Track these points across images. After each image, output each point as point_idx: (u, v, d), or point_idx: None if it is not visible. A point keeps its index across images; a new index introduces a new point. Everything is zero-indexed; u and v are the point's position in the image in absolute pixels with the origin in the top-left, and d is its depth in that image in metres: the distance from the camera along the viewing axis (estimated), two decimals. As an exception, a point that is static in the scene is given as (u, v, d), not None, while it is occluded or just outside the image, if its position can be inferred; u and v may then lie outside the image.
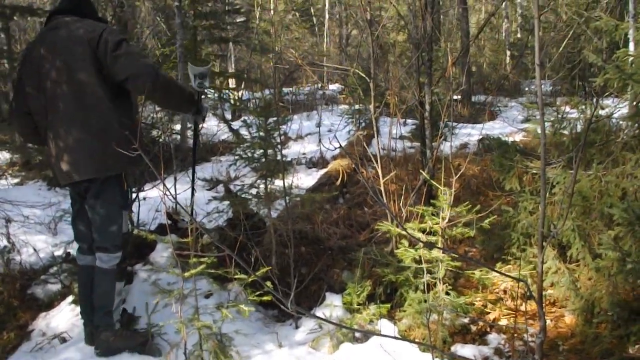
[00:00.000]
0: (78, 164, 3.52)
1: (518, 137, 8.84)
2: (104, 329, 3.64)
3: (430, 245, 3.65)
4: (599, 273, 3.64)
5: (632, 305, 3.52)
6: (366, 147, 5.98)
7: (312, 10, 22.72)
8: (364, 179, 2.09)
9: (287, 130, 10.50)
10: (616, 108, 4.40)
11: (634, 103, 4.25)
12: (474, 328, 3.92)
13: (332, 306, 3.99)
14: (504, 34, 19.07)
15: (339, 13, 21.81)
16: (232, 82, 14.49)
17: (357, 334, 3.77)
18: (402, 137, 8.10)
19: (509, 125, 9.67)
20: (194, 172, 4.54)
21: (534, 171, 4.31)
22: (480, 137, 8.50)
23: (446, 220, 3.64)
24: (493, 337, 3.83)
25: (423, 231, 3.73)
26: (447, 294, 3.68)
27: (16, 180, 8.56)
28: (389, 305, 3.91)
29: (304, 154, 9.16)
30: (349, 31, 21.38)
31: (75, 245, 3.94)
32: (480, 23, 20.45)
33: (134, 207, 4.96)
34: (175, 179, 5.91)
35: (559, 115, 4.38)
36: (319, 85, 16.80)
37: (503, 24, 19.14)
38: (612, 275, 3.53)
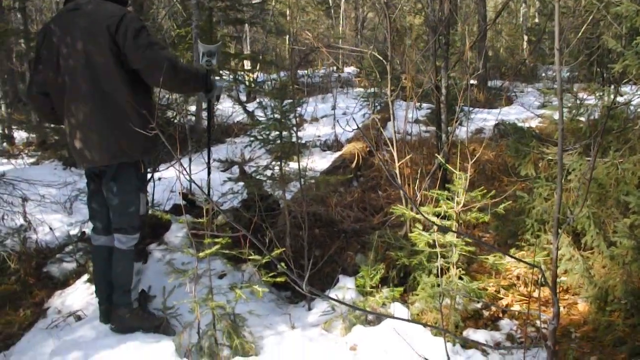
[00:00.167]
0: (95, 149, 3.54)
1: (534, 123, 8.79)
2: (121, 306, 3.68)
3: (445, 229, 3.64)
4: (614, 261, 3.63)
5: (646, 293, 3.51)
6: (382, 130, 5.95)
7: (328, -8, 22.58)
8: (381, 161, 2.09)
9: (302, 112, 10.49)
10: (634, 95, 4.36)
11: (654, 90, 4.21)
12: (486, 313, 3.92)
13: (345, 289, 4.00)
14: (521, 19, 18.90)
15: (355, -5, 21.67)
16: (247, 64, 14.48)
17: (370, 317, 3.78)
18: (417, 121, 8.07)
19: (526, 110, 9.61)
20: (209, 152, 4.54)
21: (550, 157, 4.28)
22: (496, 122, 8.45)
23: (461, 205, 3.63)
24: (505, 323, 3.82)
25: (437, 215, 3.72)
26: (460, 278, 3.68)
27: (32, 160, 8.63)
28: (402, 289, 3.91)
29: (318, 136, 9.16)
30: (364, 14, 21.26)
31: (91, 224, 3.96)
32: (497, 7, 20.25)
33: (149, 188, 4.98)
34: (190, 160, 5.93)
35: (577, 102, 4.34)
36: (335, 67, 16.74)
37: (521, 8, 18.96)
38: (626, 263, 3.51)
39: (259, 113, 5.30)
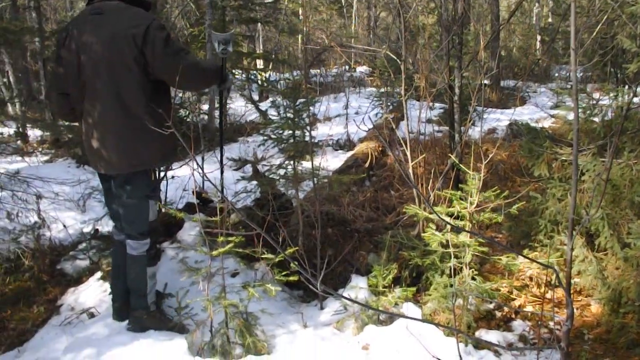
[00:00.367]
0: (113, 155, 3.54)
1: (547, 123, 8.76)
2: (139, 309, 3.71)
3: (458, 230, 3.63)
4: (627, 263, 3.61)
5: (660, 296, 3.49)
6: (395, 129, 5.95)
7: (340, -9, 22.57)
8: (396, 160, 2.09)
9: (315, 112, 10.50)
10: (650, 95, 4.34)
11: (669, 91, 4.18)
12: (498, 314, 3.91)
13: (358, 288, 4.00)
14: (534, 18, 18.81)
15: (368, -6, 21.66)
16: (260, 63, 14.50)
17: (382, 317, 3.78)
18: (430, 121, 8.06)
19: (539, 110, 9.58)
20: (222, 148, 4.56)
21: (564, 158, 4.26)
22: (509, 122, 8.42)
23: (474, 205, 3.62)
24: (518, 324, 3.81)
25: (450, 215, 3.71)
26: (473, 279, 3.67)
27: (46, 158, 8.69)
28: (414, 289, 3.91)
29: (331, 135, 9.16)
30: (377, 13, 21.25)
31: (103, 222, 3.99)
32: (510, 7, 20.18)
33: (162, 186, 5.00)
34: (203, 159, 5.96)
35: (591, 102, 4.32)
36: (347, 67, 16.74)
37: (534, 8, 18.88)
38: (640, 265, 3.50)
39: (272, 112, 5.30)
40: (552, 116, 8.60)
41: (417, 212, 3.96)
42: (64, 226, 5.61)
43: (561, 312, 3.85)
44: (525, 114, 10.37)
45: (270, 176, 4.59)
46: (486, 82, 11.71)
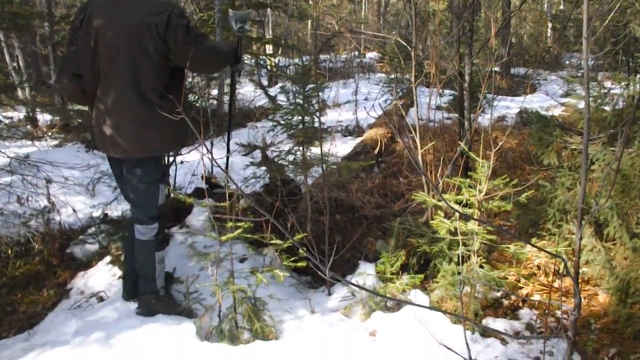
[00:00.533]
0: (128, 141, 3.56)
1: (557, 112, 8.71)
2: (147, 293, 3.74)
3: (467, 217, 3.63)
4: (636, 253, 3.60)
5: (668, 286, 3.48)
6: (404, 115, 5.94)
7: (351, -23, 22.45)
8: (406, 147, 2.09)
9: (325, 98, 10.48)
10: (662, 84, 4.30)
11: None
12: (506, 302, 3.91)
13: (366, 275, 4.01)
14: (545, 5, 18.67)
15: (378, -20, 21.55)
16: (269, 48, 14.46)
17: (389, 303, 3.79)
18: (439, 108, 8.03)
19: (549, 98, 9.53)
20: (230, 128, 4.56)
21: (573, 146, 4.24)
22: (519, 110, 8.39)
23: (483, 193, 3.61)
24: (525, 312, 3.81)
25: (459, 203, 3.71)
26: (481, 267, 3.67)
27: (55, 142, 8.72)
28: (422, 276, 3.91)
29: (340, 121, 9.15)
30: (387, -2, 21.14)
31: (112, 206, 4.00)
32: (522, -7, 20.01)
33: (171, 171, 5.01)
34: (212, 144, 5.96)
35: (602, 91, 4.29)
36: (357, 52, 16.68)
37: (545, -5, 18.75)
38: (649, 255, 3.49)
39: (281, 98, 5.29)
40: (563, 104, 8.55)
41: (425, 200, 3.96)
42: (74, 210, 5.64)
43: (568, 302, 3.85)
44: (535, 101, 10.33)
45: (279, 162, 4.59)
46: (496, 69, 11.66)
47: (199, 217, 4.84)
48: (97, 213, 5.54)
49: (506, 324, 3.63)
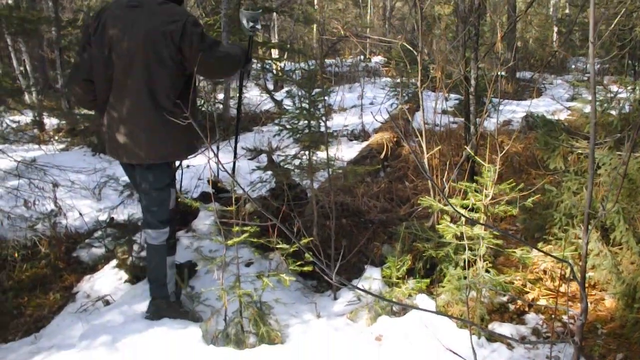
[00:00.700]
0: (142, 148, 3.59)
1: (563, 116, 8.70)
2: (159, 298, 3.75)
3: (473, 222, 3.63)
4: (643, 257, 3.59)
5: (675, 291, 3.47)
6: (410, 119, 5.94)
7: (356, -19, 22.49)
8: (412, 151, 2.09)
9: (331, 102, 10.50)
10: (668, 88, 4.29)
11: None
12: (512, 307, 3.90)
13: (371, 279, 4.01)
14: (551, 9, 18.64)
15: (384, -16, 21.59)
16: (275, 53, 14.49)
17: (395, 308, 3.78)
18: (444, 112, 8.04)
19: (554, 102, 9.52)
20: (237, 130, 4.57)
21: (580, 151, 4.24)
22: (525, 114, 8.38)
23: (489, 198, 3.61)
24: (531, 317, 3.80)
25: (465, 207, 3.71)
26: (487, 271, 3.66)
27: (62, 146, 8.75)
28: (428, 281, 3.90)
29: (346, 126, 9.16)
30: (393, 3, 21.16)
31: (119, 210, 4.02)
32: (527, -3, 20.01)
33: (177, 175, 5.03)
34: (218, 148, 5.97)
35: (608, 95, 4.29)
36: (362, 57, 16.69)
37: (551, -1, 18.72)
38: (656, 260, 3.48)
39: (287, 102, 5.31)
40: (569, 108, 8.54)
41: (431, 204, 3.96)
42: (80, 214, 5.66)
43: (575, 306, 3.84)
44: (541, 106, 10.32)
45: (285, 166, 4.60)
46: (502, 73, 11.66)
47: (205, 221, 4.85)
48: (103, 217, 5.57)
49: (512, 329, 3.62)
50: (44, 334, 3.90)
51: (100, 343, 3.44)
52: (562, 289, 4.02)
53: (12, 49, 10.93)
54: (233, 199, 3.32)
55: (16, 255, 4.84)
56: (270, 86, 13.19)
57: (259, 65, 10.96)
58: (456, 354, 2.27)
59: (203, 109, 7.21)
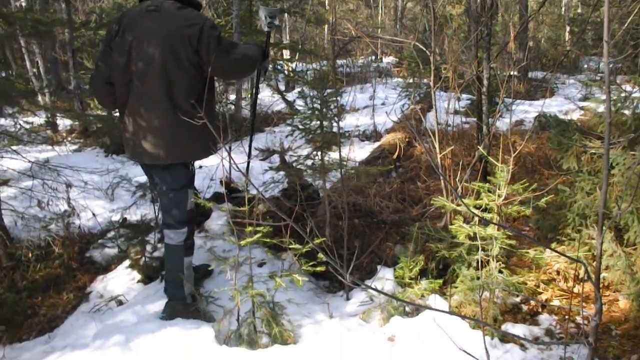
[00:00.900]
0: (160, 149, 3.65)
1: (575, 115, 8.66)
2: (176, 299, 3.78)
3: (487, 222, 3.62)
4: (657, 258, 3.57)
5: (690, 291, 3.44)
6: (423, 119, 5.92)
7: (367, -18, 22.48)
8: (426, 150, 2.08)
9: (344, 103, 10.50)
10: (682, 88, 4.26)
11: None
12: (525, 307, 3.89)
13: (384, 279, 4.01)
14: (563, 9, 18.54)
15: (395, -16, 21.55)
16: (286, 54, 14.51)
17: (408, 308, 3.78)
18: (456, 112, 8.02)
19: (567, 102, 9.47)
20: (253, 127, 4.57)
21: (593, 151, 4.21)
22: (537, 114, 8.34)
23: (502, 198, 3.60)
24: (544, 318, 3.79)
25: (478, 208, 3.70)
26: (500, 272, 3.65)
27: (75, 147, 8.80)
28: (441, 281, 3.89)
29: (357, 126, 9.16)
30: (404, 3, 21.12)
31: (131, 210, 4.05)
32: (539, -3, 19.93)
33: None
34: (230, 149, 5.98)
35: (621, 94, 4.26)
36: (374, 57, 16.67)
37: (563, -1, 18.63)
38: (670, 260, 3.45)
39: (300, 102, 5.31)
40: (582, 108, 8.50)
41: (444, 204, 3.95)
42: (93, 214, 5.69)
43: (588, 307, 3.82)
44: (553, 105, 10.27)
45: (298, 166, 4.61)
46: (514, 73, 11.61)
47: (217, 221, 4.87)
48: (116, 217, 5.59)
49: (525, 330, 3.61)
50: (57, 334, 3.93)
51: (113, 343, 3.45)
52: (576, 289, 4.00)
53: (26, 51, 11.02)
54: (246, 199, 3.32)
55: (30, 255, 4.88)
56: (282, 87, 13.21)
57: (271, 66, 10.97)
58: (469, 354, 2.25)
59: (216, 110, 7.24)
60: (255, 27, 9.89)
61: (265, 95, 11.90)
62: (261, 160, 7.12)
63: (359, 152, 7.69)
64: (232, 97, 9.23)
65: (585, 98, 10.88)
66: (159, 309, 3.86)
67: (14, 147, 6.17)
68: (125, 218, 5.51)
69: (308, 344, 3.46)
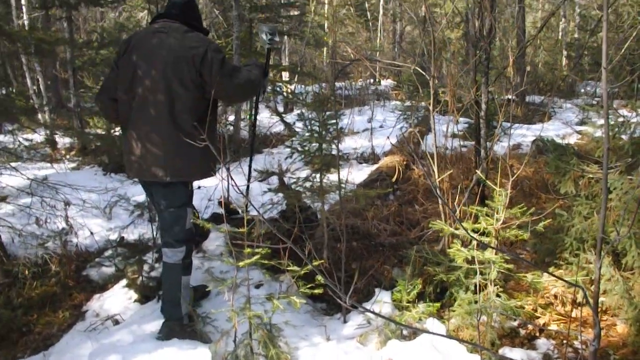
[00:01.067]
0: (161, 168, 3.69)
1: (572, 140, 8.70)
2: (173, 320, 3.77)
3: (485, 246, 3.62)
4: (655, 282, 3.57)
5: (688, 317, 3.44)
6: (421, 142, 5.95)
7: (366, 5, 22.66)
8: (425, 173, 2.10)
9: (342, 126, 10.54)
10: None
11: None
12: (523, 332, 3.88)
13: (382, 302, 4.00)
14: (560, 34, 18.68)
15: (394, 9, 21.72)
16: (285, 75, 14.58)
17: (405, 332, 3.77)
18: (454, 135, 8.04)
19: (565, 126, 9.51)
20: (252, 146, 4.58)
21: (591, 175, 4.23)
22: (535, 138, 8.37)
23: (500, 222, 3.61)
24: (542, 342, 3.78)
25: (476, 231, 3.71)
26: (498, 295, 3.65)
27: (73, 165, 8.80)
28: (438, 305, 3.89)
29: (355, 149, 9.19)
30: (403, 27, 21.28)
31: (129, 229, 4.06)
32: (535, 21, 20.11)
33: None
34: (229, 170, 5.99)
35: (619, 119, 4.29)
36: (372, 80, 16.75)
37: (560, 23, 18.76)
38: (668, 285, 3.45)
39: (299, 125, 5.34)
40: (579, 132, 8.54)
41: (442, 228, 3.96)
42: (91, 233, 5.68)
43: (586, 332, 3.81)
44: (551, 129, 10.31)
45: (297, 188, 4.62)
46: (511, 97, 11.68)
47: (215, 242, 4.86)
48: (113, 236, 5.59)
49: (523, 354, 3.60)
50: (52, 352, 3.91)
51: (109, 362, 3.44)
52: (574, 314, 4.00)
53: (27, 68, 11.07)
54: (245, 221, 3.33)
55: (26, 272, 4.86)
56: (281, 108, 13.26)
57: (270, 87, 11.03)
58: (468, 378, 2.26)
59: (217, 131, 7.27)
60: (255, 49, 9.96)
61: (264, 116, 11.94)
62: (259, 181, 7.13)
63: (357, 174, 7.70)
64: (232, 117, 9.26)
65: (582, 122, 10.94)
66: (155, 329, 3.84)
67: (13, 164, 6.19)
68: (123, 237, 5.51)
69: (305, 367, 3.45)
